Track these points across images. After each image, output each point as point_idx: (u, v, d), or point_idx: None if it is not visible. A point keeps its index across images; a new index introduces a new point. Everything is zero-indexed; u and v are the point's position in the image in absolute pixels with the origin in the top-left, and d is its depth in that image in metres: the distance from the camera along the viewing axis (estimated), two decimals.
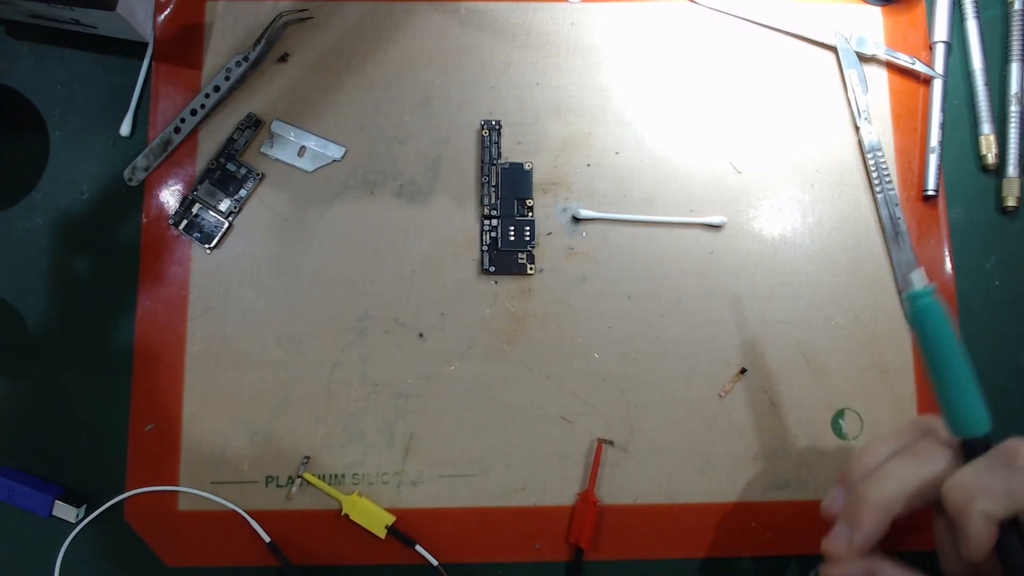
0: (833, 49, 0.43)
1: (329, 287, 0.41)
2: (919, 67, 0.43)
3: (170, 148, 0.42)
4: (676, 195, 0.42)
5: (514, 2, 0.44)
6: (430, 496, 0.40)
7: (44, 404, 0.41)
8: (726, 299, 0.41)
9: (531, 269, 0.41)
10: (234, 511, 0.39)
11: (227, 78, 0.42)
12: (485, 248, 0.41)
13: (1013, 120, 0.43)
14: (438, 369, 0.41)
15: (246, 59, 0.42)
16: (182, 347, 0.41)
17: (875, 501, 0.30)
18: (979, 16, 0.44)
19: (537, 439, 0.40)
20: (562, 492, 0.40)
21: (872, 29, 0.44)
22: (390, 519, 0.39)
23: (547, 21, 0.44)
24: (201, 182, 0.42)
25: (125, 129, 0.42)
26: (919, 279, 0.30)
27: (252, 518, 0.39)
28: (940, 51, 0.43)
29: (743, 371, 0.41)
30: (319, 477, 0.40)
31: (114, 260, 0.41)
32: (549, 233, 0.42)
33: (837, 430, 0.41)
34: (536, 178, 0.42)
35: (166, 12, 0.43)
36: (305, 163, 0.42)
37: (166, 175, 0.42)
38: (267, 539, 0.39)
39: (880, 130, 0.43)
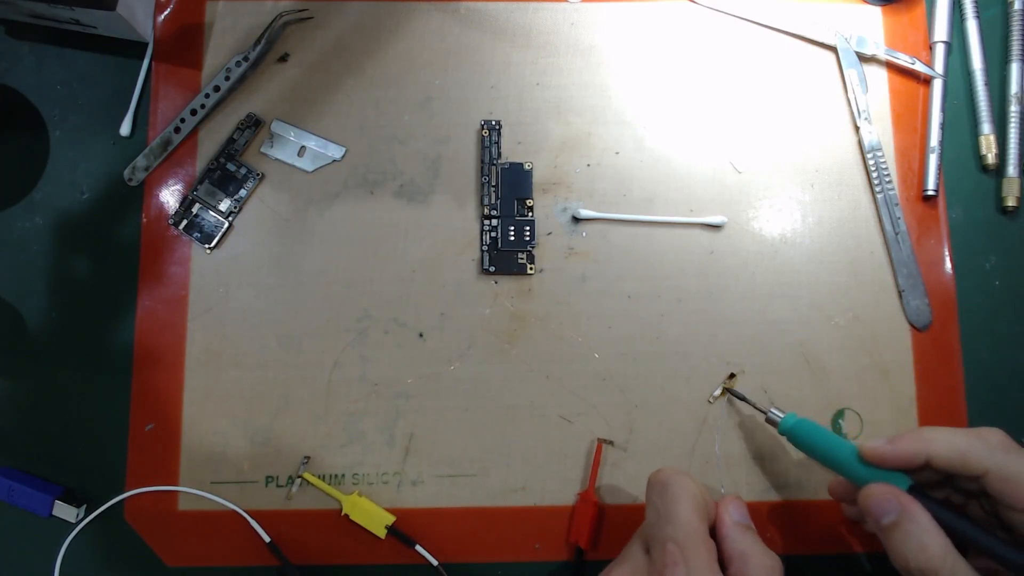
0: (833, 49, 0.43)
1: (329, 287, 0.41)
2: (919, 67, 0.43)
3: (170, 148, 0.42)
4: (676, 195, 0.42)
5: (514, 2, 0.44)
6: (430, 496, 0.40)
7: (44, 404, 0.41)
8: (726, 299, 0.41)
9: (531, 269, 0.41)
10: (234, 511, 0.39)
11: (227, 78, 0.42)
12: (485, 248, 0.41)
13: (1013, 120, 0.43)
14: (438, 369, 0.41)
15: (246, 59, 0.42)
16: (182, 347, 0.41)
17: (918, 434, 0.32)
18: (979, 16, 0.44)
19: (537, 439, 0.40)
20: (562, 492, 0.40)
21: (872, 29, 0.44)
22: (390, 519, 0.39)
23: (547, 21, 0.44)
24: (201, 182, 0.42)
25: (125, 129, 0.42)
26: (778, 413, 0.37)
27: (252, 518, 0.39)
28: (940, 51, 0.43)
29: (732, 376, 0.41)
30: (319, 477, 0.40)
31: (114, 260, 0.41)
32: (549, 233, 0.42)
33: (837, 430, 0.41)
34: (536, 178, 0.42)
35: (166, 12, 0.43)
36: (305, 163, 0.42)
37: (166, 175, 0.42)
38: (267, 539, 0.39)
39: (880, 130, 0.43)
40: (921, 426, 0.34)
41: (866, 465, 0.33)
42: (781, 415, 0.37)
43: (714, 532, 0.33)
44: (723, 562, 0.31)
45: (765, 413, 0.37)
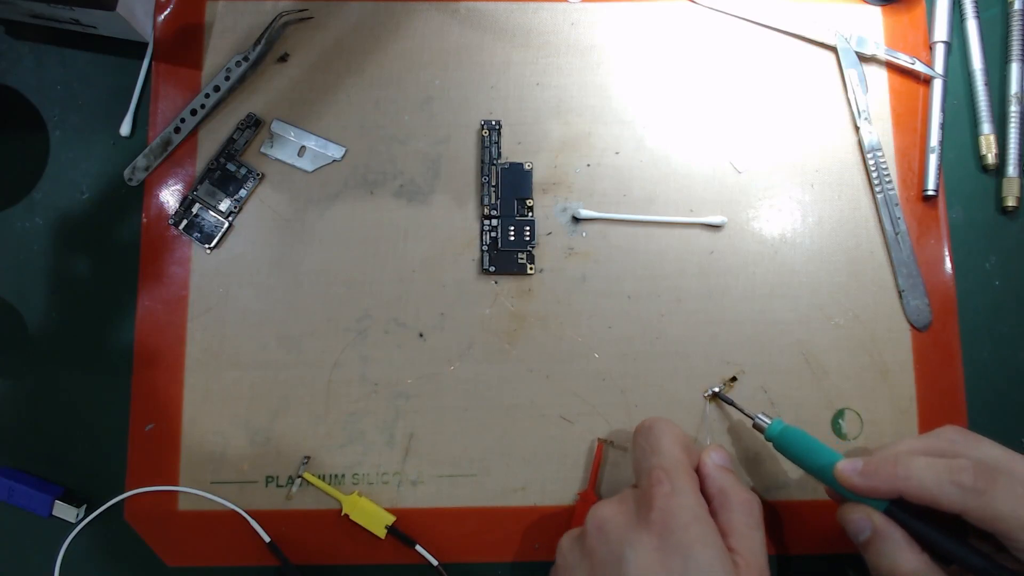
0: (833, 49, 0.43)
1: (329, 287, 0.41)
2: (919, 67, 0.43)
3: (170, 148, 0.42)
4: (676, 195, 0.42)
5: (514, 2, 0.44)
6: (430, 496, 0.40)
7: (44, 404, 0.41)
8: (726, 299, 0.41)
9: (531, 269, 0.41)
10: (234, 511, 0.39)
11: (227, 78, 0.42)
12: (485, 248, 0.41)
13: (1013, 120, 0.43)
14: (438, 369, 0.41)
15: (246, 59, 0.42)
16: (182, 347, 0.41)
17: (898, 468, 0.32)
18: (979, 16, 0.44)
19: (537, 439, 0.40)
20: (562, 492, 0.40)
21: (872, 29, 0.44)
22: (390, 519, 0.39)
23: (547, 21, 0.44)
24: (201, 182, 0.42)
25: (125, 129, 0.42)
26: (765, 419, 0.37)
27: (252, 518, 0.39)
28: (940, 51, 0.43)
29: (733, 379, 0.41)
30: (319, 477, 0.40)
31: (114, 260, 0.41)
32: (549, 233, 0.42)
33: (837, 430, 0.41)
34: (536, 178, 0.42)
35: (166, 12, 0.43)
36: (305, 163, 0.42)
37: (166, 175, 0.42)
38: (267, 539, 0.39)
39: (880, 130, 0.43)
40: (899, 452, 0.33)
41: None
42: (768, 421, 0.36)
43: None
44: (705, 500, 0.32)
45: (752, 419, 0.37)
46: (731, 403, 0.39)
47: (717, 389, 0.40)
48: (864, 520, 0.32)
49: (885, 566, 0.31)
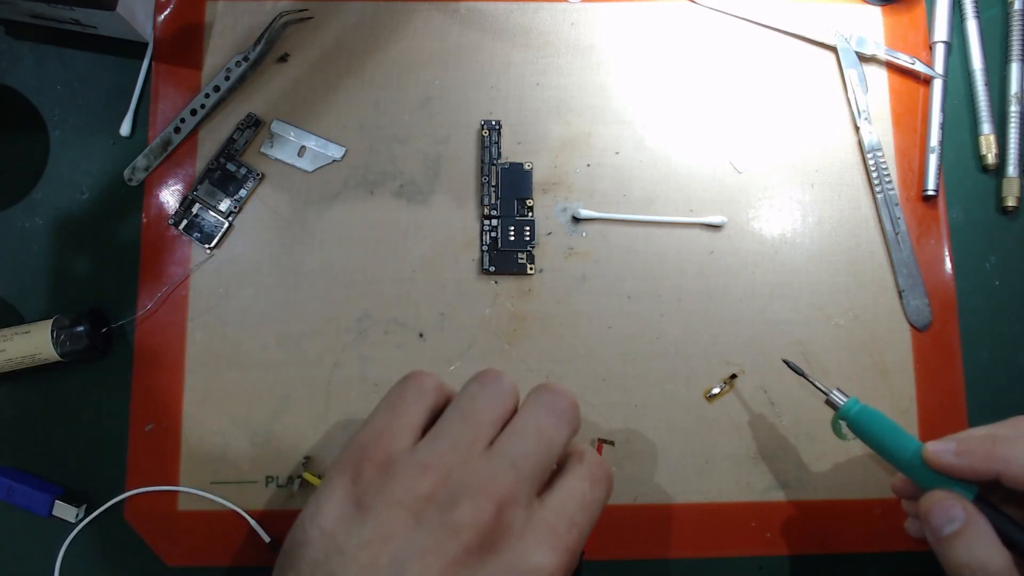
0: (833, 49, 0.43)
1: (329, 287, 0.41)
2: (919, 67, 0.43)
3: (170, 148, 0.42)
4: (676, 195, 0.42)
5: (514, 2, 0.44)
6: None
7: (44, 404, 0.41)
8: (726, 299, 0.41)
9: (531, 269, 0.41)
10: (234, 511, 0.39)
11: (227, 78, 0.42)
12: (485, 248, 0.41)
13: (1013, 120, 0.43)
14: (438, 369, 0.41)
15: (246, 59, 0.42)
16: (182, 347, 0.41)
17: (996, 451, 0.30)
18: (979, 16, 0.44)
19: None
20: None
21: (872, 29, 0.44)
22: None
23: (547, 21, 0.44)
24: (201, 182, 0.42)
25: (125, 129, 0.42)
26: (840, 396, 0.34)
27: (252, 518, 0.39)
28: (940, 51, 0.43)
29: (733, 376, 0.41)
30: (319, 477, 0.40)
31: (114, 260, 0.41)
32: (549, 233, 0.42)
33: (837, 430, 0.41)
34: (536, 178, 0.42)
35: (166, 12, 0.43)
36: (305, 163, 0.42)
37: (166, 175, 0.42)
38: (267, 539, 0.39)
39: (880, 130, 0.43)
40: (993, 434, 0.31)
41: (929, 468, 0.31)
42: (844, 399, 0.34)
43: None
44: None
45: (827, 394, 0.35)
46: (802, 374, 0.37)
47: (786, 359, 0.38)
48: (957, 508, 0.29)
49: (976, 561, 0.29)
